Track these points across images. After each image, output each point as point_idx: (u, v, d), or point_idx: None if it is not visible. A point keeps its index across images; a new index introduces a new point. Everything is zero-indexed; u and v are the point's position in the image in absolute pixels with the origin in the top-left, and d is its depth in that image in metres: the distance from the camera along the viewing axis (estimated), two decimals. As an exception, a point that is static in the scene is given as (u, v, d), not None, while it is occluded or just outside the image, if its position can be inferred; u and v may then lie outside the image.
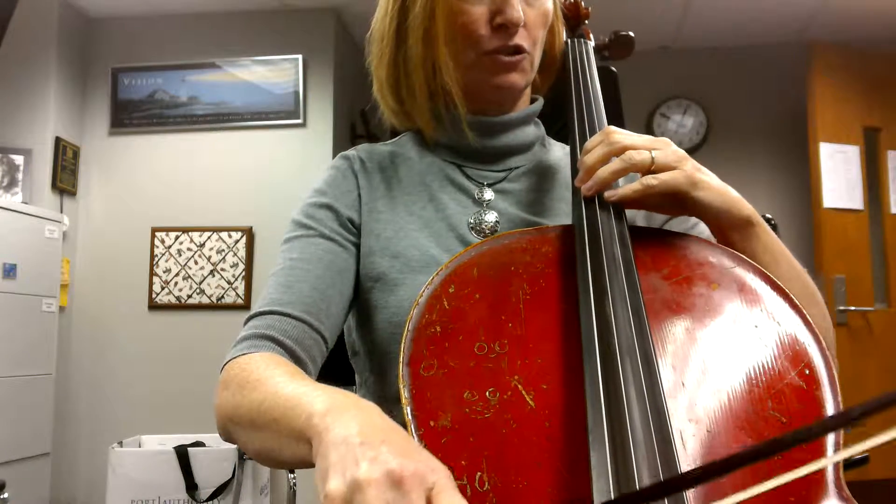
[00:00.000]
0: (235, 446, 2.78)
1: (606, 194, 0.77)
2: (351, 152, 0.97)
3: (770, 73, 4.29)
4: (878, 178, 3.94)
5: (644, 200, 0.76)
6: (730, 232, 0.78)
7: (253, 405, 0.66)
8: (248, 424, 0.67)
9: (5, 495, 2.29)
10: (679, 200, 0.75)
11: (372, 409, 0.56)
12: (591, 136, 0.85)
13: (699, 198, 0.74)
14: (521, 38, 0.87)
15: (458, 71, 0.88)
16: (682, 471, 0.53)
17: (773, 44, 4.27)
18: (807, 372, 0.62)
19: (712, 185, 0.75)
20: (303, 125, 3.84)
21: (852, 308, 3.67)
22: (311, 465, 0.59)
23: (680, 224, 0.94)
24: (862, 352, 3.65)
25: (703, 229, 0.92)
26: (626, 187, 0.75)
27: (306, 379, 0.68)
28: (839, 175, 3.77)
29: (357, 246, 0.90)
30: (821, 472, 0.56)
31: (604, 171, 0.76)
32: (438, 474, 0.49)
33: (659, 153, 0.75)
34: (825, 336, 0.78)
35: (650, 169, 0.74)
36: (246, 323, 0.82)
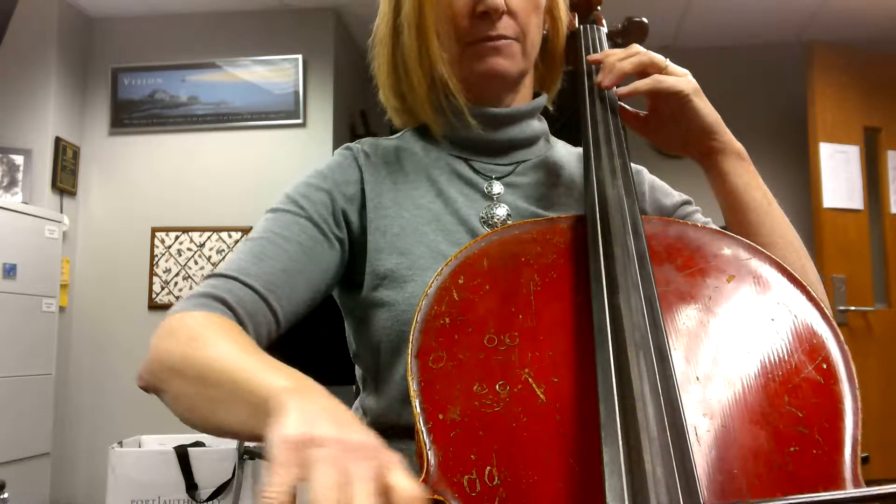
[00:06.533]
0: (235, 446, 2.80)
1: (620, 90, 0.87)
2: (355, 145, 0.96)
3: (770, 73, 4.29)
4: (878, 178, 3.93)
5: (654, 96, 0.87)
6: (724, 158, 0.88)
7: (207, 361, 0.65)
8: (194, 378, 0.66)
9: (5, 495, 2.28)
10: (680, 105, 0.86)
11: (337, 400, 0.57)
12: (603, 125, 0.85)
13: (698, 106, 0.85)
14: (505, 27, 0.86)
15: (451, 62, 0.88)
16: (696, 467, 0.52)
17: (773, 44, 4.26)
18: (824, 366, 0.61)
19: (709, 105, 0.87)
20: (303, 125, 3.83)
21: (852, 308, 3.66)
22: (242, 435, 0.61)
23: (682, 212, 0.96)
24: (862, 352, 3.64)
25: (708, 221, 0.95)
26: (639, 81, 0.86)
27: (265, 354, 0.67)
28: (839, 175, 3.77)
29: (341, 241, 0.88)
30: (838, 468, 0.55)
31: (624, 63, 0.86)
32: (393, 457, 0.50)
33: (673, 65, 0.87)
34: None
35: (662, 71, 0.86)
36: (206, 279, 0.80)
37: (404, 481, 0.48)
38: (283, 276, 0.81)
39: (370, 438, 0.51)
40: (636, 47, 0.89)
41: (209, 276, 0.81)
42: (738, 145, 0.88)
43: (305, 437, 0.48)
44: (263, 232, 0.85)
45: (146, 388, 0.75)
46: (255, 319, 0.79)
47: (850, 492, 0.48)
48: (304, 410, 0.52)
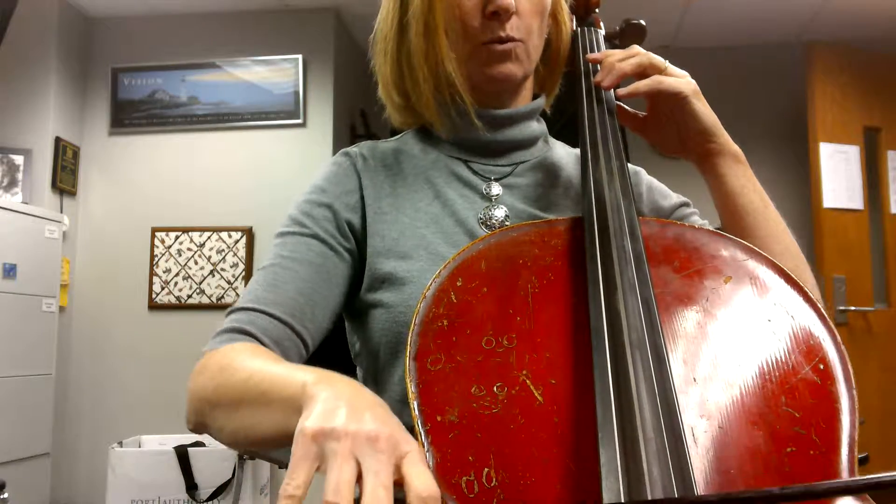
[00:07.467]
0: (235, 446, 2.80)
1: (620, 91, 0.87)
2: (353, 149, 0.96)
3: (770, 73, 4.29)
4: (878, 178, 3.93)
5: (652, 98, 0.87)
6: (721, 161, 0.88)
7: (238, 383, 0.67)
8: (230, 402, 0.68)
9: (5, 495, 2.28)
10: (679, 106, 0.86)
11: (362, 386, 0.58)
12: (600, 126, 0.85)
13: (697, 108, 0.86)
14: (513, 28, 0.86)
15: (459, 62, 0.88)
16: (693, 468, 0.52)
17: (773, 44, 4.26)
18: (821, 367, 0.61)
19: (708, 107, 0.87)
20: (303, 125, 3.83)
21: (852, 308, 3.66)
22: (285, 442, 0.60)
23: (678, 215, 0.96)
24: (862, 352, 3.64)
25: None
26: (639, 81, 0.86)
27: (291, 363, 0.69)
28: (839, 175, 3.77)
29: (351, 252, 0.88)
30: (835, 468, 0.55)
31: (623, 64, 0.87)
32: (413, 446, 0.51)
33: (672, 66, 0.88)
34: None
35: (662, 72, 0.87)
36: (228, 315, 0.82)
37: (419, 473, 0.48)
38: (300, 298, 0.82)
39: (389, 427, 0.51)
40: (636, 48, 0.89)
41: (230, 312, 0.82)
42: (736, 148, 0.88)
43: (323, 430, 0.49)
44: (274, 258, 0.86)
45: (195, 430, 0.76)
46: (282, 346, 0.80)
47: (845, 481, 0.48)
48: (328, 401, 0.53)
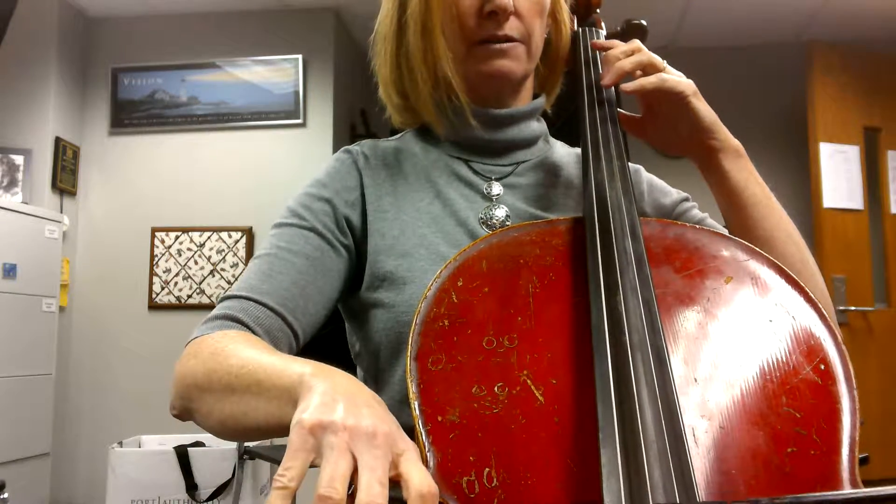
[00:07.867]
0: (235, 447, 2.80)
1: (625, 86, 0.87)
2: (354, 147, 0.96)
3: (770, 74, 4.29)
4: (878, 178, 3.93)
5: (656, 95, 0.87)
6: (723, 156, 0.88)
7: (231, 369, 0.65)
8: (221, 389, 0.66)
9: (5, 495, 2.28)
10: (681, 105, 0.86)
11: (359, 381, 0.58)
12: (601, 126, 0.85)
13: (697, 107, 0.86)
14: (512, 28, 0.86)
15: (456, 62, 0.88)
16: (694, 468, 0.52)
17: (773, 44, 4.26)
18: (822, 367, 0.61)
19: (707, 105, 0.88)
20: (303, 125, 3.83)
21: (852, 308, 3.66)
22: (276, 432, 0.60)
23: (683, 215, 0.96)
24: (862, 352, 3.64)
25: (709, 223, 0.95)
26: (644, 78, 0.86)
27: (285, 353, 0.68)
28: (839, 175, 3.77)
29: (348, 248, 0.88)
30: (836, 468, 0.55)
31: (624, 62, 0.87)
32: (409, 445, 0.51)
33: (669, 67, 0.88)
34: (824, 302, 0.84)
35: (662, 72, 0.87)
36: (220, 302, 0.81)
37: (417, 470, 0.48)
38: (294, 289, 0.82)
39: (387, 425, 0.51)
40: (637, 43, 0.89)
41: (222, 299, 0.81)
42: (736, 142, 0.88)
43: (322, 422, 0.49)
44: (270, 248, 0.85)
45: (179, 416, 0.75)
46: (273, 335, 0.79)
47: (841, 493, 0.48)
48: (325, 393, 0.52)
